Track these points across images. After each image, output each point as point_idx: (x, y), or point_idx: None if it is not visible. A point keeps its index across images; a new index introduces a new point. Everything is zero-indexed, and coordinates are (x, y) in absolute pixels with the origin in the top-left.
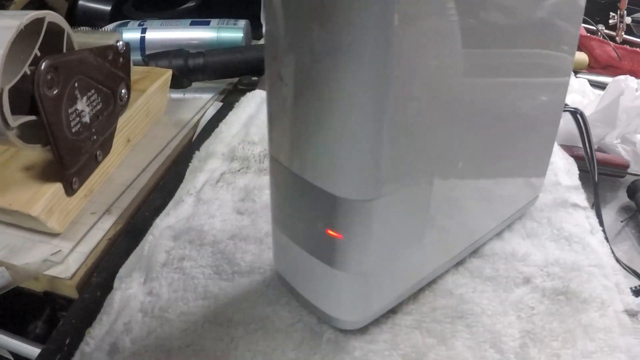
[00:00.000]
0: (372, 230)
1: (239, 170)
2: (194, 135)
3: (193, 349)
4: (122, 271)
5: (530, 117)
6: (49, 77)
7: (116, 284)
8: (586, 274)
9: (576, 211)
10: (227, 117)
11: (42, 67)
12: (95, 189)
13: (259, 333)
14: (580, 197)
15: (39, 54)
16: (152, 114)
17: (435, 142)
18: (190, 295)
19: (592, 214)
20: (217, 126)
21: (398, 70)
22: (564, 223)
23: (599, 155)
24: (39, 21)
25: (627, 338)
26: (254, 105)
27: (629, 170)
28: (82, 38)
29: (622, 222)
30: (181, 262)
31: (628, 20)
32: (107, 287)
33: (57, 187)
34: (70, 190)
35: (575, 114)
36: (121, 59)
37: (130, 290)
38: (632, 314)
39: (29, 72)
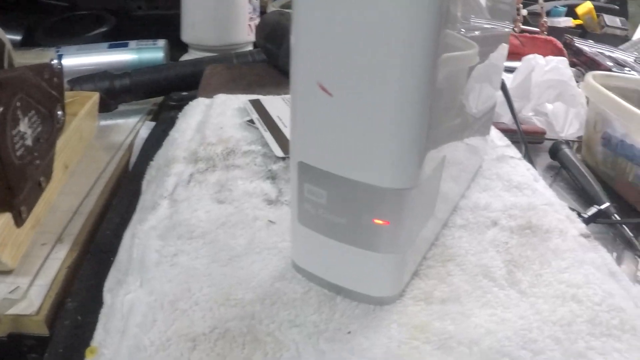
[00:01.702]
0: (412, 213)
1: (206, 170)
2: (129, 157)
3: (218, 332)
4: (109, 284)
5: (490, 93)
6: None
7: (107, 297)
8: (541, 211)
9: (518, 165)
10: (176, 125)
11: None
12: (41, 219)
13: (276, 305)
14: (514, 151)
15: None
16: (85, 138)
17: (449, 128)
18: (195, 286)
19: (531, 166)
20: (166, 135)
21: (439, 69)
22: (511, 175)
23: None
24: None
25: (589, 254)
26: (200, 112)
27: (546, 137)
28: (18, 57)
29: (550, 177)
30: (175, 257)
31: (524, 12)
32: (85, 310)
33: (7, 218)
34: (19, 220)
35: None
36: (55, 79)
37: (130, 295)
38: (586, 236)
39: None
